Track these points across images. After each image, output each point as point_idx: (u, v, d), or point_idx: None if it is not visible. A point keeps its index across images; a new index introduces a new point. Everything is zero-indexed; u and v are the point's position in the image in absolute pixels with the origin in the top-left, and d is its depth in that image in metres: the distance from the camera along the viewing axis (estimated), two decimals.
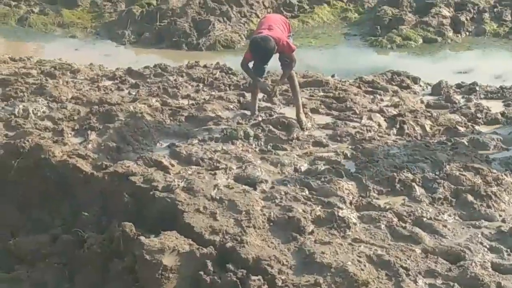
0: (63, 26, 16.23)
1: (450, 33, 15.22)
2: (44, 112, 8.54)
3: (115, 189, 6.65)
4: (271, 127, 8.06)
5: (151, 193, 6.34)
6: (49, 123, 8.18)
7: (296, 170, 7.03)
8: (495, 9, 16.15)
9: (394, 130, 8.27)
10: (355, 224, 5.87)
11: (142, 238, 5.46)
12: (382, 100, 9.52)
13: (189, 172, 6.83)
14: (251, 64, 8.12)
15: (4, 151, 7.32)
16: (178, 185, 6.44)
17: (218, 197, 6.22)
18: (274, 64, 8.33)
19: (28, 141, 7.31)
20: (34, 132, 7.67)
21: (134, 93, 9.46)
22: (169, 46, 14.86)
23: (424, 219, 6.02)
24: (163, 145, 7.68)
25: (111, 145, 7.52)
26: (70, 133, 7.93)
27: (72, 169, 6.98)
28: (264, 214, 5.93)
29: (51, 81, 9.83)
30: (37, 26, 16.19)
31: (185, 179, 6.59)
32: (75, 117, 8.39)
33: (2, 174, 7.18)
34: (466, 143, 7.79)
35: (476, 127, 8.50)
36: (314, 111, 8.81)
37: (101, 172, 6.88)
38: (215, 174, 6.76)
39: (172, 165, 7.05)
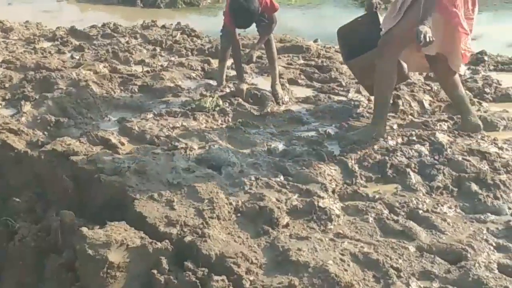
0: None
1: None
2: None
3: (53, 171, 6.60)
4: (240, 100, 8.05)
5: (96, 176, 6.28)
6: None
7: (269, 151, 7.00)
8: None
9: None
10: (338, 216, 5.83)
11: (84, 229, 5.38)
12: None
13: (142, 152, 6.80)
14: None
15: None
16: (129, 167, 6.38)
17: (176, 182, 6.17)
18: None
19: None
20: None
21: (77, 57, 9.43)
22: (121, 1, 14.83)
23: (420, 211, 5.99)
24: (112, 120, 7.68)
25: (49, 119, 7.49)
26: (0, 104, 7.89)
27: (2, 146, 6.94)
28: (231, 203, 5.90)
29: None
30: None
31: (137, 160, 6.54)
32: (6, 85, 8.37)
33: None
34: None
35: (484, 104, 8.50)
36: (293, 82, 8.82)
37: (36, 151, 6.83)
38: (173, 155, 6.73)
39: (122, 144, 7.04)
